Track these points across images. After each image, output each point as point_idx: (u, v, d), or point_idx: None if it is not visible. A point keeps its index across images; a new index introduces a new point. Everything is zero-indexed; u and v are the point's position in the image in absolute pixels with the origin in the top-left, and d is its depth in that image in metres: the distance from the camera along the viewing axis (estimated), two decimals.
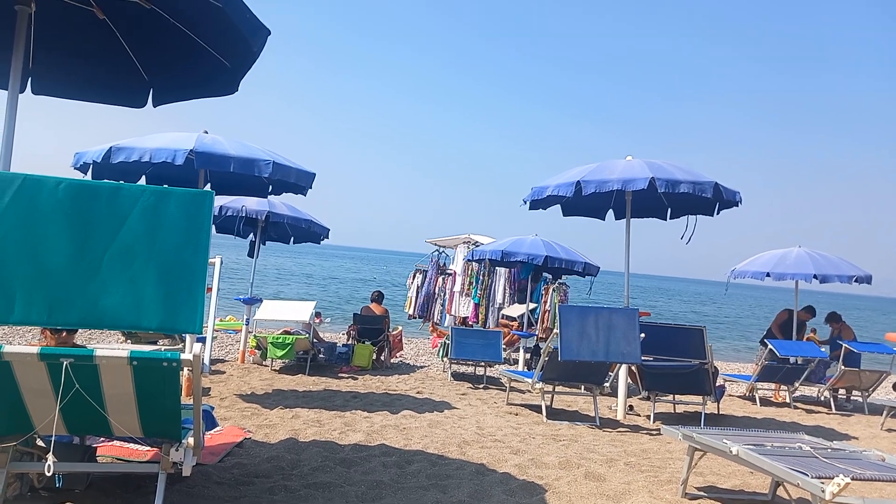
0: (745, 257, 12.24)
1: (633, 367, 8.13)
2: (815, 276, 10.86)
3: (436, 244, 16.56)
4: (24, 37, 4.07)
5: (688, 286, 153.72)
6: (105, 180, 5.30)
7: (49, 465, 2.95)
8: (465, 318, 15.01)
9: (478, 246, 15.04)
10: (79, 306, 2.87)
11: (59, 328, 4.16)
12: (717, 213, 8.54)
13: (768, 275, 11.27)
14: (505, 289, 14.84)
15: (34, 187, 2.89)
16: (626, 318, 7.16)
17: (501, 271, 14.81)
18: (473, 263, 14.68)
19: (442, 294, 15.56)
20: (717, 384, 8.39)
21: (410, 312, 15.76)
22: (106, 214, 2.93)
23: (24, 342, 9.96)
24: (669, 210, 9.11)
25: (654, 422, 7.76)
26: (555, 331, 7.08)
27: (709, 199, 8.09)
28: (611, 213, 9.58)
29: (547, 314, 14.73)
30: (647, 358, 7.86)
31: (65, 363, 2.74)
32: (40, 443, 3.47)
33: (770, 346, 9.88)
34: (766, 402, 10.34)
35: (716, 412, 8.79)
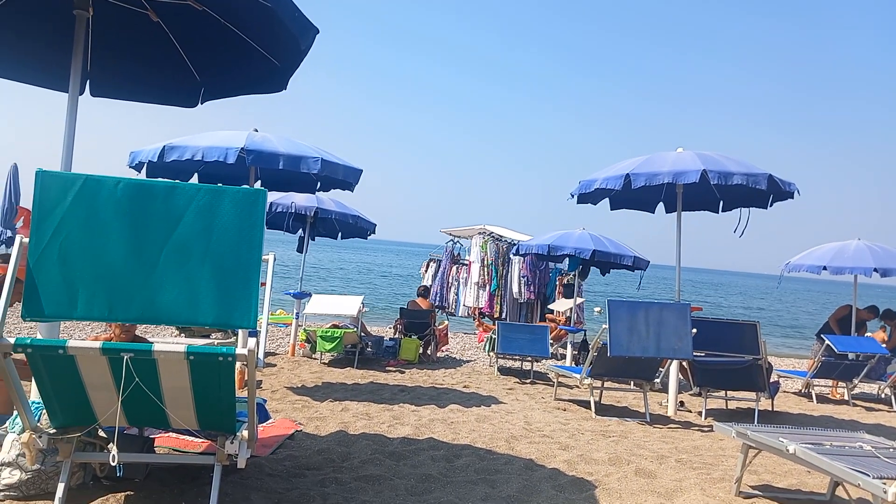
0: (802, 249, 11.90)
1: (684, 363, 8.00)
2: (875, 270, 10.49)
3: (451, 234, 16.67)
4: (82, 40, 4.20)
5: (739, 279, 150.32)
6: (160, 179, 5.45)
7: (113, 455, 3.05)
8: (480, 309, 15.10)
9: (500, 238, 15.13)
10: (137, 302, 2.97)
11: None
12: (771, 206, 8.32)
13: (825, 268, 10.93)
14: (520, 279, 14.94)
15: (95, 187, 2.98)
16: (678, 313, 7.04)
17: (516, 261, 14.92)
18: (490, 254, 14.79)
19: (456, 283, 15.67)
20: (772, 380, 8.19)
21: None
22: (163, 213, 3.02)
23: (83, 336, 10.31)
24: (722, 203, 8.92)
25: (705, 418, 7.62)
26: (604, 326, 7.00)
27: (763, 191, 7.89)
28: (661, 206, 9.43)
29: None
30: (698, 353, 7.72)
31: (125, 358, 2.83)
32: (102, 434, 3.59)
33: (827, 342, 9.59)
34: (822, 399, 10.06)
35: (770, 409, 8.58)
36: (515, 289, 14.95)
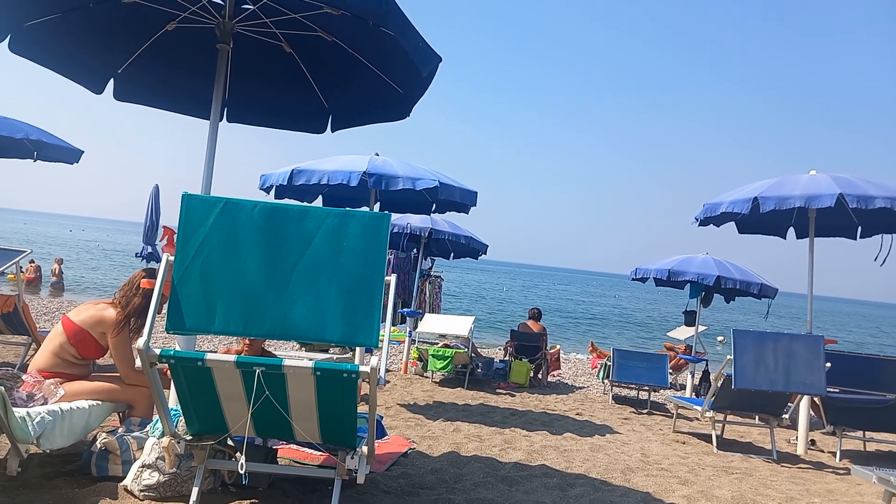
0: None
1: (815, 399, 7.48)
2: None
3: None
4: (224, 72, 4.50)
5: (877, 310, 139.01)
6: (289, 201, 5.73)
7: (242, 463, 3.21)
8: None
9: None
10: (270, 319, 3.13)
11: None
12: None
13: None
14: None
15: (234, 210, 3.18)
16: (810, 345, 6.60)
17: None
18: None
19: None
20: None
21: None
22: (295, 235, 3.17)
23: (209, 347, 10.93)
24: (860, 228, 8.33)
25: (840, 460, 7.07)
26: (728, 356, 6.68)
27: None
28: (791, 230, 8.92)
29: (424, 305, 14.73)
30: (832, 389, 7.19)
31: (257, 371, 2.98)
32: (230, 442, 3.78)
33: None
34: None
35: None
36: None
